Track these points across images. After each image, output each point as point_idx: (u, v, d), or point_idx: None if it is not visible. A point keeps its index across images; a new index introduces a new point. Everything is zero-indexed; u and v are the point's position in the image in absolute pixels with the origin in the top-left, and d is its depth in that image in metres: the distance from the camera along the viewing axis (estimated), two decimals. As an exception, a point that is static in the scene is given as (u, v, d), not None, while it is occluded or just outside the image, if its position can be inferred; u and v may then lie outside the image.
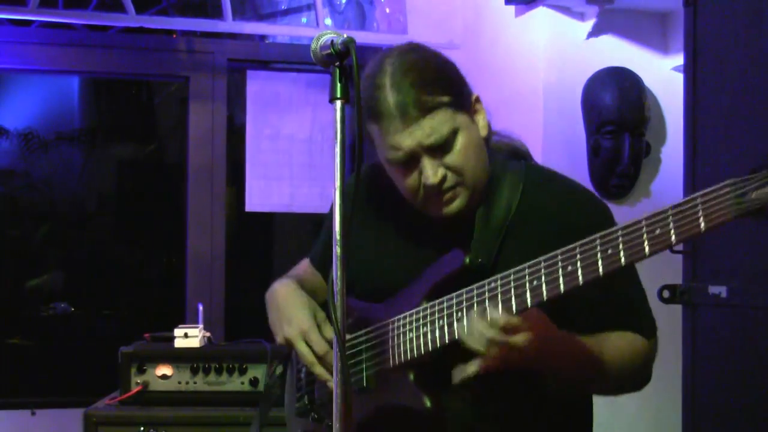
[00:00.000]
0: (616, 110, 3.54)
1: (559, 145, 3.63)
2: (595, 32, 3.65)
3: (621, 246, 1.55)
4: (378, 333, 1.89)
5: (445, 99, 1.80)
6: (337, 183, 1.60)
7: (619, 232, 1.56)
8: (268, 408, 2.20)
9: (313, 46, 1.65)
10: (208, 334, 3.39)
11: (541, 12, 3.63)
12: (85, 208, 6.23)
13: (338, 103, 1.61)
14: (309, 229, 5.41)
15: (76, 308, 5.69)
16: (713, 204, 1.45)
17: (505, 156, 1.98)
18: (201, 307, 3.55)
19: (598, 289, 1.75)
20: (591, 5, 3.57)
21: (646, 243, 1.53)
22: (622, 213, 1.72)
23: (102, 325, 5.76)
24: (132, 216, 6.13)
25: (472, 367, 1.71)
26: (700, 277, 2.59)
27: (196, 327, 3.31)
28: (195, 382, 3.21)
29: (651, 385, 1.93)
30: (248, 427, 2.53)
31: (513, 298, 1.67)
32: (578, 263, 1.60)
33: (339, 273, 1.59)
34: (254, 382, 3.21)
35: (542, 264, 1.65)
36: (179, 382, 3.20)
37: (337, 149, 1.60)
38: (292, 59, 4.57)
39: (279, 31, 4.93)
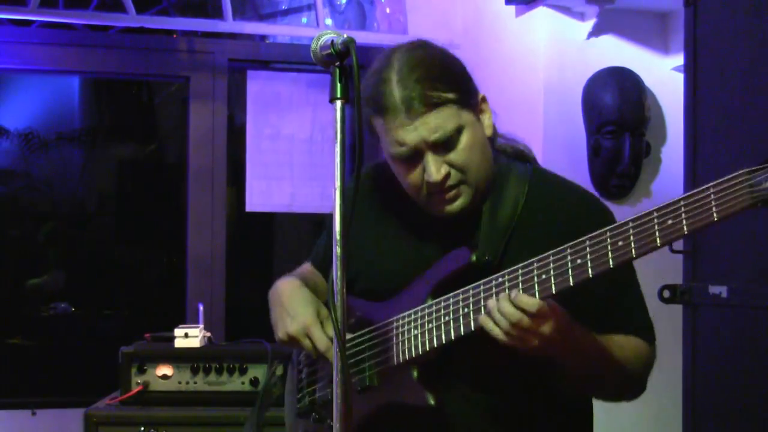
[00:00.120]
0: (616, 110, 3.54)
1: (560, 145, 3.63)
2: (595, 32, 3.65)
3: (632, 237, 1.54)
4: (381, 331, 1.89)
5: (451, 96, 1.79)
6: (337, 183, 1.60)
7: (630, 224, 1.55)
8: (265, 408, 2.20)
9: (313, 46, 1.65)
10: (208, 334, 3.39)
11: (541, 12, 3.63)
12: (86, 208, 6.23)
13: (338, 103, 1.61)
14: (309, 229, 5.42)
15: (76, 308, 5.69)
16: (726, 193, 1.44)
17: (511, 158, 1.98)
18: (201, 307, 3.55)
19: (600, 295, 1.75)
20: (591, 5, 3.56)
21: (657, 234, 1.51)
22: (623, 213, 1.72)
23: (102, 325, 5.76)
24: (132, 216, 6.13)
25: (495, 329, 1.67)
26: (700, 277, 2.59)
27: (197, 327, 3.31)
28: (195, 382, 3.21)
29: (651, 385, 1.93)
30: (248, 428, 2.53)
31: (527, 289, 1.66)
32: (588, 256, 1.59)
33: (339, 273, 1.59)
34: (254, 382, 3.20)
35: (551, 258, 1.64)
36: (179, 382, 3.20)
37: (337, 149, 1.60)
38: (293, 59, 4.57)
39: (279, 31, 4.93)
